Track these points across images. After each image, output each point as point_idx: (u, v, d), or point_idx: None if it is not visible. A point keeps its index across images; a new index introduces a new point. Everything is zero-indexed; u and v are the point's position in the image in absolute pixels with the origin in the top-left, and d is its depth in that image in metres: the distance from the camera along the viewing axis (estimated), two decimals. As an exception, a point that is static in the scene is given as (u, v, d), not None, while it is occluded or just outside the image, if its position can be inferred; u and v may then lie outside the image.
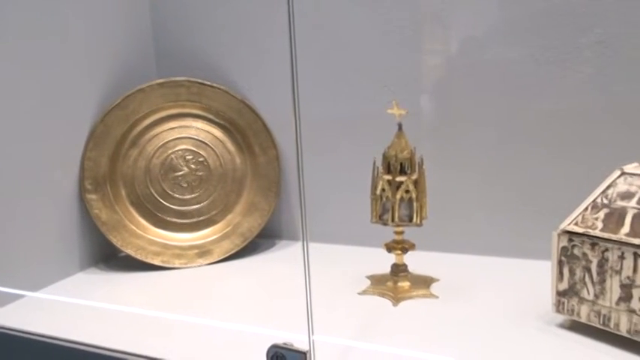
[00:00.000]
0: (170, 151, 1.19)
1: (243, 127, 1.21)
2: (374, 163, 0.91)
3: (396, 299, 0.91)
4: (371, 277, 1.00)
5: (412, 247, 0.95)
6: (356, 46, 1.12)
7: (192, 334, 0.84)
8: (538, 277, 0.83)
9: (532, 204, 0.98)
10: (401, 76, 1.09)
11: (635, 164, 0.74)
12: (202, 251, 1.17)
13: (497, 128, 1.03)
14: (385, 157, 0.91)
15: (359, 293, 0.95)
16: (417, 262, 0.98)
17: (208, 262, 1.15)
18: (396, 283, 0.95)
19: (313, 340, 0.65)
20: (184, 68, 1.24)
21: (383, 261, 0.97)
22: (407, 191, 0.89)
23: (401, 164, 0.90)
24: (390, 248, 0.95)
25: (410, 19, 1.06)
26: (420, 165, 0.91)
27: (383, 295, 0.93)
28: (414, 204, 0.90)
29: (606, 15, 0.93)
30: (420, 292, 0.92)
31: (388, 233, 0.95)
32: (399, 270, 0.96)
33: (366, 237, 1.02)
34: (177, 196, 1.19)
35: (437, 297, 0.91)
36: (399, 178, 0.89)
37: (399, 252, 0.95)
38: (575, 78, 0.96)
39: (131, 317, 0.90)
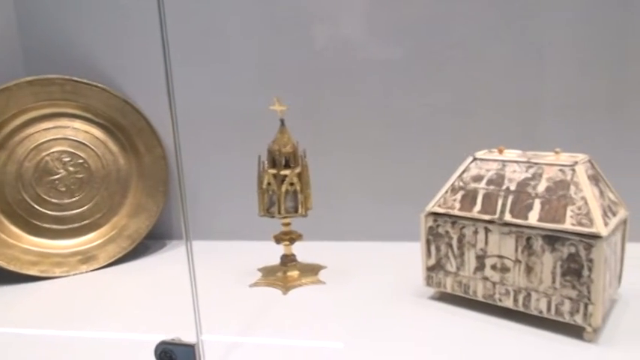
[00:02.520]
0: (44, 154, 1.11)
1: (126, 126, 1.17)
2: (259, 158, 0.94)
3: (286, 288, 0.94)
4: (262, 269, 1.03)
5: (299, 237, 0.99)
6: (241, 43, 1.14)
7: (74, 350, 0.79)
8: (412, 256, 0.91)
9: (404, 191, 1.08)
10: (284, 73, 1.13)
11: (485, 151, 0.85)
12: (86, 257, 1.11)
13: (372, 123, 1.12)
14: (270, 151, 0.95)
15: (250, 285, 0.97)
16: (305, 251, 1.03)
17: (93, 267, 1.10)
18: (285, 273, 0.98)
19: (201, 336, 0.67)
20: (57, 66, 1.17)
21: (274, 253, 1.01)
22: (291, 184, 0.93)
23: (285, 158, 0.94)
24: (278, 240, 0.99)
25: (294, 18, 1.11)
26: (303, 158, 0.95)
27: (273, 285, 0.96)
28: (299, 196, 0.94)
29: (463, 19, 1.04)
30: (309, 280, 0.97)
31: (277, 225, 0.98)
32: (288, 260, 1.00)
33: (256, 231, 1.05)
34: (54, 201, 1.12)
35: (324, 283, 0.97)
36: (283, 172, 0.93)
37: (287, 243, 0.99)
38: (437, 75, 1.07)
39: (3, 338, 0.83)
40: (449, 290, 0.83)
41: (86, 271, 1.09)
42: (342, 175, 1.14)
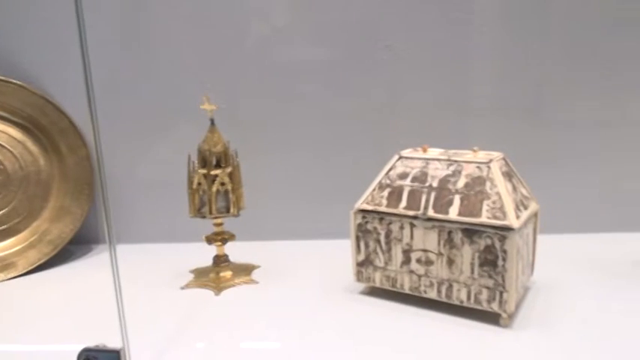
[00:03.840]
0: (-46, 155, 1.04)
1: (47, 125, 1.11)
2: (189, 158, 0.93)
3: (218, 289, 0.94)
4: (194, 271, 1.02)
5: (232, 237, 0.98)
6: (168, 42, 1.11)
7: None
8: (343, 253, 0.93)
9: (335, 189, 1.10)
10: (214, 72, 1.11)
11: (410, 149, 0.88)
12: (3, 264, 1.05)
13: (303, 122, 1.13)
14: (200, 151, 0.94)
15: (182, 288, 0.95)
16: (239, 251, 1.03)
17: (12, 275, 1.04)
18: (218, 274, 0.98)
19: (128, 341, 0.65)
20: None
21: (206, 254, 1.00)
22: (222, 184, 0.93)
23: (216, 158, 0.94)
24: (210, 240, 0.98)
25: (226, 17, 1.09)
26: (234, 158, 0.95)
27: (205, 286, 0.95)
28: (231, 196, 0.93)
29: (393, 22, 1.08)
30: (242, 280, 0.97)
31: (209, 226, 0.97)
32: (220, 260, 0.99)
33: (188, 232, 1.04)
34: (-34, 205, 1.05)
35: (257, 282, 0.97)
36: (214, 172, 0.92)
37: (219, 243, 0.98)
38: (366, 76, 1.10)
39: None
40: (378, 284, 0.86)
41: (3, 280, 1.03)
42: (275, 174, 1.15)
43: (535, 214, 0.83)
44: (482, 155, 0.81)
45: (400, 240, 0.81)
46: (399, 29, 1.08)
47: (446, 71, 1.09)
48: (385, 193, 0.84)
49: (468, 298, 0.77)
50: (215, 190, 0.92)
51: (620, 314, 0.78)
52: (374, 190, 0.85)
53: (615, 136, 1.08)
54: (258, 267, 1.03)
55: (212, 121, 0.93)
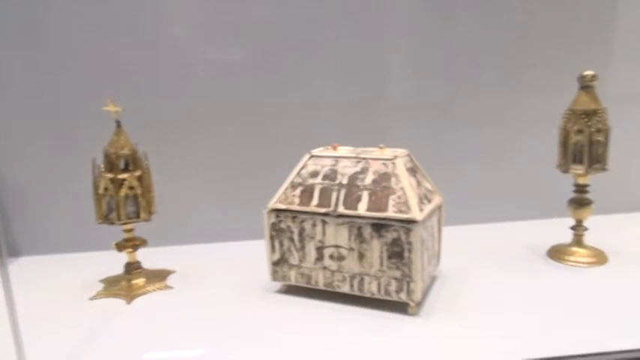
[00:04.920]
0: None
1: None
2: (93, 162, 0.89)
3: (130, 297, 0.90)
4: (104, 280, 0.97)
5: (144, 243, 0.95)
6: (74, 40, 1.06)
7: None
8: (259, 253, 0.93)
9: (250, 190, 1.09)
10: (123, 73, 1.07)
11: (321, 148, 0.90)
12: None
13: (216, 123, 1.12)
14: (106, 155, 0.90)
15: (90, 298, 0.91)
16: (152, 257, 1.00)
17: None
18: (130, 282, 0.94)
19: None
20: None
21: (118, 262, 0.96)
22: (131, 188, 0.89)
23: (124, 161, 0.90)
24: (120, 247, 0.94)
25: (134, 14, 1.06)
26: (144, 161, 0.92)
27: (116, 295, 0.91)
28: (140, 200, 0.90)
29: (304, 22, 1.10)
30: (155, 286, 0.94)
31: (119, 232, 0.93)
32: (132, 268, 0.96)
33: (96, 240, 0.99)
34: None
35: (172, 288, 0.94)
36: (121, 176, 0.89)
37: (130, 249, 0.94)
38: (279, 77, 1.11)
39: None
40: (293, 282, 0.87)
41: None
42: (187, 176, 1.13)
43: (439, 207, 0.88)
44: (388, 152, 0.84)
45: (313, 237, 0.83)
46: (310, 29, 1.10)
47: (356, 71, 1.12)
48: (297, 191, 0.85)
49: (379, 289, 0.80)
50: (123, 195, 0.89)
51: (518, 297, 0.84)
52: (286, 189, 0.86)
53: (512, 133, 1.17)
54: (174, 272, 1.01)
55: (118, 123, 0.90)
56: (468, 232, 1.14)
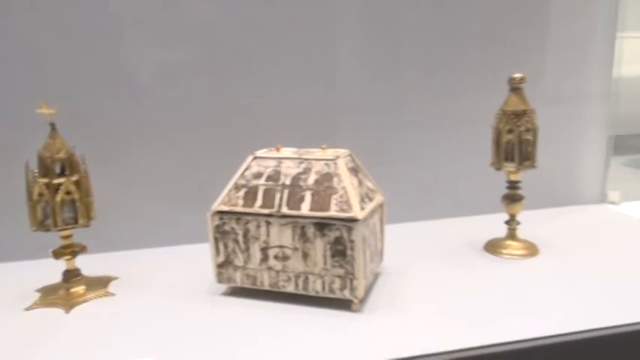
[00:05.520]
0: None
1: None
2: (26, 167, 0.85)
3: (69, 306, 0.87)
4: (41, 290, 0.93)
5: (83, 249, 0.92)
6: (9, 43, 1.01)
7: None
8: (204, 256, 0.92)
9: (194, 192, 1.08)
10: (58, 74, 1.04)
11: (265, 150, 0.91)
12: None
13: (159, 124, 1.10)
14: (40, 159, 0.86)
15: (26, 309, 0.87)
16: (93, 264, 0.97)
17: None
18: (68, 290, 0.91)
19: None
20: None
21: (57, 270, 0.92)
22: (68, 193, 0.86)
23: (60, 165, 0.87)
24: (57, 254, 0.91)
25: (68, 18, 1.02)
26: (81, 164, 0.89)
27: (54, 304, 0.88)
28: (78, 205, 0.87)
29: (247, 22, 1.10)
30: (96, 294, 0.91)
31: (58, 239, 0.90)
32: (71, 275, 0.92)
33: (33, 248, 0.95)
34: None
35: (114, 294, 0.92)
36: (57, 180, 0.85)
37: (69, 257, 0.91)
38: (224, 78, 1.11)
39: None
40: (239, 284, 0.87)
41: None
42: (129, 179, 1.10)
43: (381, 206, 0.90)
44: (330, 152, 0.86)
45: (257, 238, 0.83)
46: (256, 29, 1.10)
47: (303, 73, 1.14)
48: (241, 193, 0.85)
49: (323, 288, 0.81)
50: (59, 200, 0.86)
51: (457, 290, 0.88)
52: (230, 190, 0.86)
53: (450, 132, 1.22)
54: (116, 279, 0.98)
55: (53, 126, 0.86)
56: (409, 229, 1.18)
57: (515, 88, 0.96)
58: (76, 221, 0.88)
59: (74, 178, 0.87)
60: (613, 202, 1.33)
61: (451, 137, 1.22)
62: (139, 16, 1.05)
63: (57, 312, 0.86)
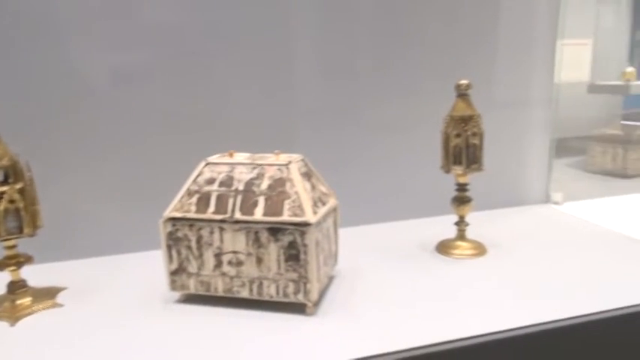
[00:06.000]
0: None
1: None
2: (-34, 175, 0.82)
3: (14, 318, 0.84)
4: (-16, 303, 0.90)
5: (29, 260, 0.89)
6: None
7: None
8: (157, 263, 0.90)
9: (147, 199, 1.05)
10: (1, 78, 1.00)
11: (218, 155, 0.91)
12: None
13: (109, 131, 1.08)
14: (-19, 167, 0.83)
15: (-33, 323, 0.84)
16: (41, 274, 0.94)
17: None
18: (14, 302, 0.87)
19: None
20: None
21: (1, 281, 0.89)
22: (12, 201, 0.83)
23: (3, 173, 0.84)
24: (2, 265, 0.87)
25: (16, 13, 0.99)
26: (26, 172, 0.86)
27: (-3, 317, 0.85)
28: (23, 214, 0.85)
29: (204, 26, 1.09)
30: (43, 305, 0.88)
31: (2, 250, 0.87)
32: (16, 287, 0.89)
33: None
34: None
35: (62, 305, 0.89)
36: (0, 189, 0.83)
37: (14, 267, 0.88)
38: (178, 84, 1.10)
39: None
40: (193, 291, 0.86)
41: None
42: (78, 186, 1.07)
43: (334, 209, 0.92)
44: (283, 157, 0.87)
45: (211, 244, 0.83)
46: (211, 33, 1.10)
47: (258, 76, 1.14)
48: (194, 199, 0.84)
49: (277, 292, 0.82)
50: (3, 209, 0.83)
51: (409, 291, 0.90)
52: (182, 197, 0.85)
53: (403, 136, 1.25)
54: (64, 289, 0.95)
55: (-6, 133, 0.84)
56: (364, 232, 1.20)
57: (462, 94, 0.99)
58: (20, 230, 0.85)
59: (18, 186, 0.84)
60: (556, 203, 1.40)
61: (404, 141, 1.25)
62: (90, 18, 1.03)
63: (1, 325, 0.83)
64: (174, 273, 0.86)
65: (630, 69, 2.05)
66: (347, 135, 1.22)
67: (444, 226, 1.11)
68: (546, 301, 0.85)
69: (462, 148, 0.99)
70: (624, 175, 1.82)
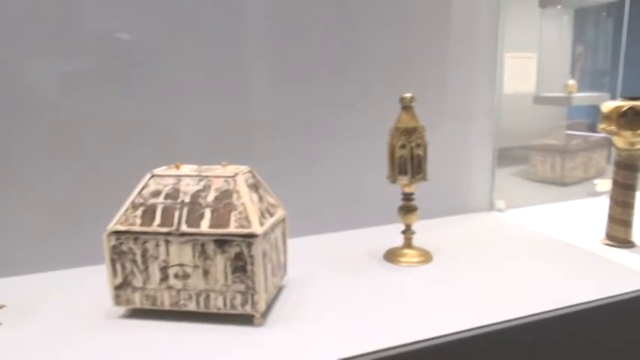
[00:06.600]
0: None
1: None
2: None
3: (-55, 340, 0.80)
4: None
5: (-38, 277, 0.86)
6: None
7: None
8: (101, 279, 0.88)
9: (89, 213, 1.03)
10: None
11: (164, 167, 0.90)
12: None
13: (46, 142, 1.04)
14: None
15: None
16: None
17: None
18: (-55, 323, 0.84)
19: None
20: None
21: None
22: (-57, 217, 0.80)
23: None
24: None
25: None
26: (-41, 186, 0.83)
27: None
28: (-45, 230, 0.81)
29: (147, 35, 1.08)
30: (-22, 325, 0.85)
31: None
32: (-52, 307, 0.85)
33: None
34: None
35: (0, 324, 0.86)
36: None
37: (-55, 286, 0.84)
38: (127, 92, 1.08)
39: None
40: (138, 305, 0.85)
41: None
42: (19, 199, 1.03)
43: (283, 220, 0.92)
44: (230, 169, 0.87)
45: (157, 258, 0.82)
46: (161, 42, 1.09)
47: (209, 87, 1.14)
48: (139, 212, 0.83)
49: (225, 304, 0.82)
50: None
51: (356, 299, 0.92)
52: (127, 210, 0.84)
53: (352, 147, 1.27)
54: (2, 307, 0.91)
55: None
56: (314, 242, 1.20)
57: (406, 106, 1.03)
58: (-47, 247, 0.82)
59: (-50, 200, 0.81)
60: (499, 210, 1.46)
61: (353, 151, 1.27)
62: (31, 24, 1.00)
63: None
64: (118, 287, 0.84)
65: (572, 81, 2.16)
66: (298, 146, 1.23)
67: (391, 234, 1.13)
68: (489, 304, 0.89)
69: (407, 159, 1.02)
70: (563, 183, 1.92)
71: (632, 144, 1.11)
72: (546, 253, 1.14)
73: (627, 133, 1.09)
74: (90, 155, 1.07)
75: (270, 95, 1.20)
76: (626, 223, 1.15)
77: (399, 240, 1.11)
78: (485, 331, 0.82)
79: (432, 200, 1.16)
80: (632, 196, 1.14)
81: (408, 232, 1.10)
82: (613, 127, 1.11)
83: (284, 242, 0.94)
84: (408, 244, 1.10)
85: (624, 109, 1.09)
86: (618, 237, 1.16)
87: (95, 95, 1.06)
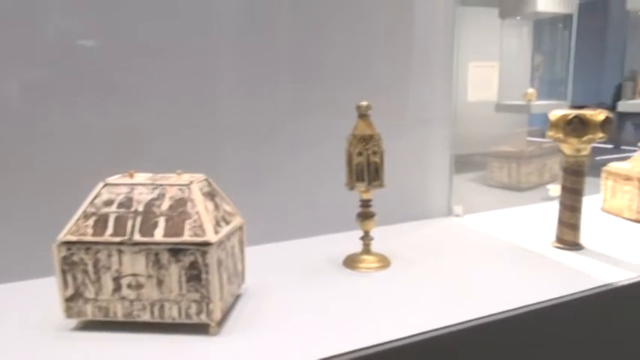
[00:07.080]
0: None
1: None
2: None
3: None
4: None
5: None
6: None
7: None
8: (51, 291, 0.86)
9: (39, 223, 1.00)
10: None
11: (118, 176, 0.88)
12: None
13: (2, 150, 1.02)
14: None
15: None
16: None
17: None
18: None
19: None
20: None
21: None
22: None
23: None
24: None
25: None
26: None
27: None
28: None
29: (111, 42, 1.07)
30: None
31: None
32: None
33: None
34: None
35: (-58, 341, 0.82)
36: None
37: None
38: (79, 104, 1.06)
39: None
40: (90, 317, 0.83)
41: None
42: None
43: (240, 228, 0.92)
44: (185, 178, 0.86)
45: (109, 268, 0.80)
46: (124, 48, 1.07)
47: (170, 97, 1.13)
48: (90, 221, 0.81)
49: (180, 314, 0.81)
50: None
51: (315, 305, 0.92)
52: (78, 219, 0.82)
53: (313, 154, 1.28)
54: (-54, 323, 0.88)
55: None
56: (273, 249, 1.21)
57: (363, 114, 1.04)
58: None
59: None
60: (457, 215, 1.49)
61: (312, 158, 1.28)
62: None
63: None
64: (69, 299, 0.82)
65: (531, 90, 2.23)
66: (260, 153, 1.23)
67: (350, 241, 1.14)
68: (447, 306, 0.91)
69: (364, 166, 1.04)
70: (518, 189, 1.98)
71: (579, 150, 1.15)
72: (501, 256, 1.18)
73: (574, 141, 1.14)
74: (42, 163, 1.04)
75: (233, 104, 1.19)
76: (574, 227, 1.20)
77: (358, 246, 1.13)
78: (440, 333, 0.84)
79: (391, 206, 1.18)
80: (579, 201, 1.18)
81: (366, 238, 1.11)
82: (560, 135, 1.15)
83: (241, 250, 0.94)
84: (366, 250, 1.12)
85: (570, 117, 1.14)
86: (567, 240, 1.21)
87: (52, 102, 1.03)
